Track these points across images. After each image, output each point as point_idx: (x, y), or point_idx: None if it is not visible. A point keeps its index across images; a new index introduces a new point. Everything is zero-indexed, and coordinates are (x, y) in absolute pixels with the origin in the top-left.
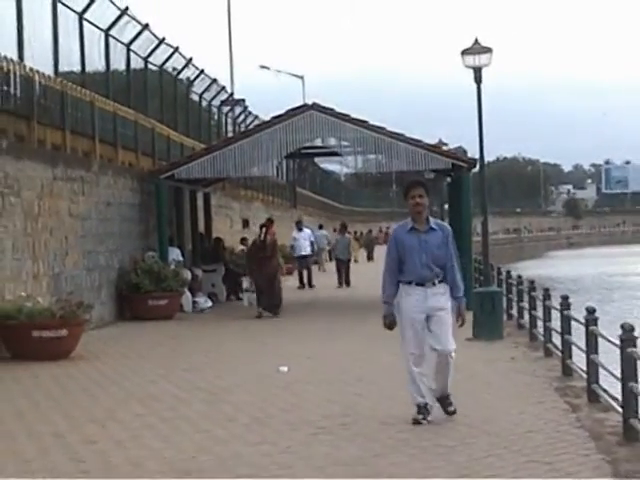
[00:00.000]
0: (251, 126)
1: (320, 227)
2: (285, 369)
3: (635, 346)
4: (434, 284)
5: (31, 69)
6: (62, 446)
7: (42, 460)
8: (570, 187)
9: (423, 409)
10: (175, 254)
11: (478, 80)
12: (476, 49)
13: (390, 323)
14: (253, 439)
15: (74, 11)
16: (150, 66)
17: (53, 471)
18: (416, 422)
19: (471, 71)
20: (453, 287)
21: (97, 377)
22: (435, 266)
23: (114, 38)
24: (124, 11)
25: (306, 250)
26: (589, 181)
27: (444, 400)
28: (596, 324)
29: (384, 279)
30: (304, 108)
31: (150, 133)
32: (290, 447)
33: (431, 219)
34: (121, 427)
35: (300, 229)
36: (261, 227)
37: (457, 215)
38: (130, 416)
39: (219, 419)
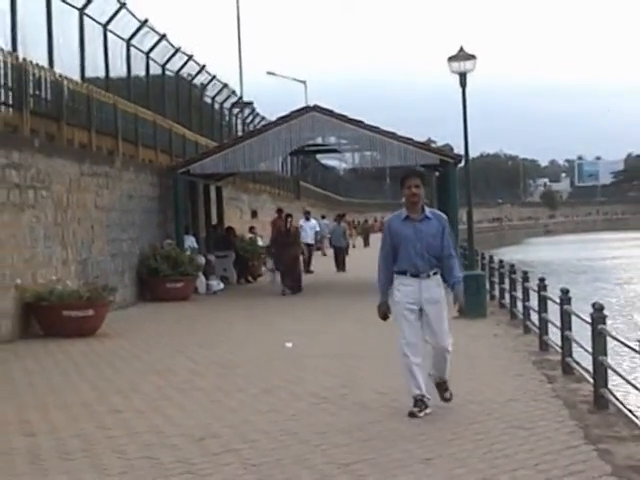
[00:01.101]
0: (258, 126)
1: (322, 217)
2: (290, 345)
3: (605, 323)
4: (429, 276)
5: (60, 75)
6: (90, 414)
7: (72, 427)
8: (546, 180)
9: (419, 402)
10: (190, 241)
11: (463, 84)
12: (461, 56)
13: (384, 313)
14: (261, 408)
15: (99, 23)
16: (167, 72)
17: (82, 437)
18: (412, 415)
19: (457, 76)
20: (449, 273)
21: (120, 352)
22: (430, 256)
23: (135, 47)
24: (144, 23)
25: (311, 239)
26: (563, 175)
27: (441, 385)
28: (570, 303)
29: (379, 268)
30: (306, 110)
31: (168, 133)
32: (295, 415)
33: (427, 208)
34: (143, 398)
35: (307, 219)
36: (286, 217)
37: (444, 206)
38: (151, 387)
39: (230, 390)
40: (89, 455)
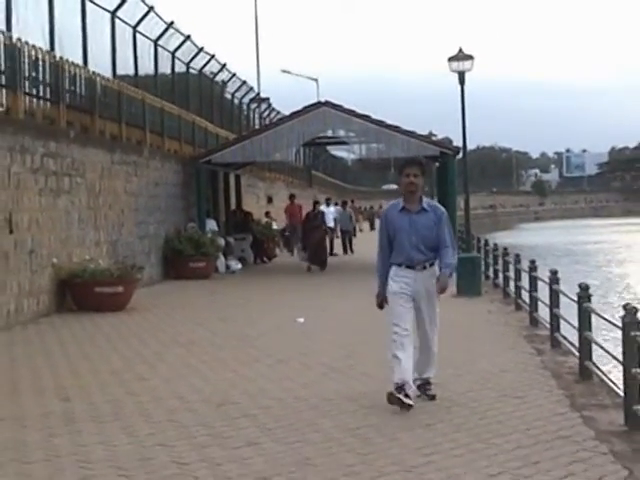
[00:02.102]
0: (274, 120)
1: (335, 204)
2: (302, 320)
3: (590, 302)
4: (424, 267)
5: (93, 72)
6: (119, 382)
7: (103, 393)
8: (537, 171)
9: (400, 388)
10: (211, 225)
11: (462, 82)
12: (460, 56)
13: (381, 302)
14: (275, 377)
15: (128, 24)
16: (191, 70)
17: (112, 402)
18: (391, 402)
19: (456, 74)
20: (441, 260)
21: (147, 325)
22: (425, 248)
23: (161, 47)
24: (170, 25)
25: (330, 223)
26: (553, 166)
27: (425, 385)
28: (558, 283)
29: (377, 259)
30: (318, 105)
31: (191, 125)
32: (306, 383)
33: (424, 199)
34: (167, 367)
35: (328, 205)
36: (314, 203)
37: (444, 193)
38: (174, 358)
39: (247, 360)
40: (119, 418)
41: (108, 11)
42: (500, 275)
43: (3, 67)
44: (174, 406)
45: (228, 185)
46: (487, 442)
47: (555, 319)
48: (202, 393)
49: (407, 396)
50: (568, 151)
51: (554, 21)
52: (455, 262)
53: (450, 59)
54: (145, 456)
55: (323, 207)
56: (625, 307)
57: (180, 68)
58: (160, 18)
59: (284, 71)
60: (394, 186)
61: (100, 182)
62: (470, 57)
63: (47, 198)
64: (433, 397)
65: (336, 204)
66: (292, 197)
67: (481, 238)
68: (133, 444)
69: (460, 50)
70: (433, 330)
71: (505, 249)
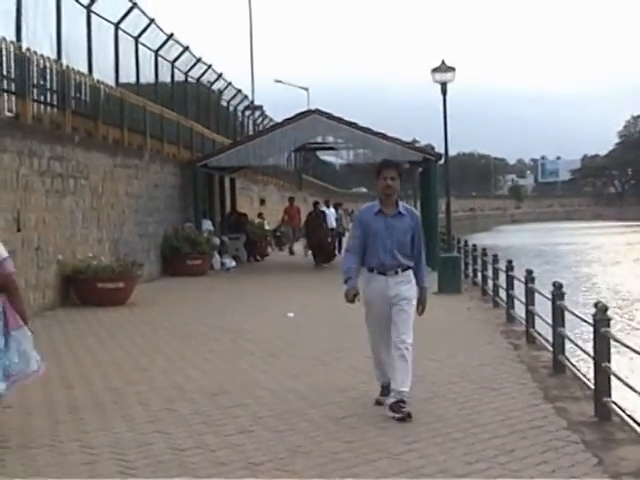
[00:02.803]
0: (267, 126)
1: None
2: (292, 315)
3: (563, 299)
4: (397, 273)
5: (98, 81)
6: (120, 372)
7: (104, 382)
8: (514, 176)
9: (386, 389)
10: (207, 225)
11: (444, 92)
12: (442, 68)
13: (353, 296)
14: (267, 368)
15: (131, 36)
16: (189, 79)
17: (113, 391)
18: (379, 403)
19: (439, 85)
20: (418, 276)
21: (147, 319)
22: (399, 253)
23: (162, 57)
24: (170, 36)
25: (332, 224)
26: (528, 172)
27: (398, 405)
28: (533, 282)
29: (345, 260)
30: (308, 113)
31: (189, 131)
32: (296, 375)
33: (400, 203)
34: (165, 358)
35: (328, 207)
36: (314, 204)
37: (427, 197)
38: (172, 350)
39: (241, 353)
40: (119, 406)
41: (112, 23)
42: (479, 274)
43: (13, 75)
44: (171, 395)
45: (223, 187)
46: (466, 431)
47: (530, 316)
48: (198, 383)
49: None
50: (543, 158)
51: (530, 35)
52: (428, 278)
53: (433, 70)
54: (144, 442)
55: (324, 208)
56: (596, 305)
57: (179, 77)
58: (161, 30)
59: (277, 81)
60: (364, 189)
61: (103, 184)
62: (452, 69)
63: (53, 199)
64: (408, 416)
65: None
66: (291, 199)
67: (461, 239)
68: (133, 431)
69: (443, 62)
70: (408, 336)
71: (484, 250)
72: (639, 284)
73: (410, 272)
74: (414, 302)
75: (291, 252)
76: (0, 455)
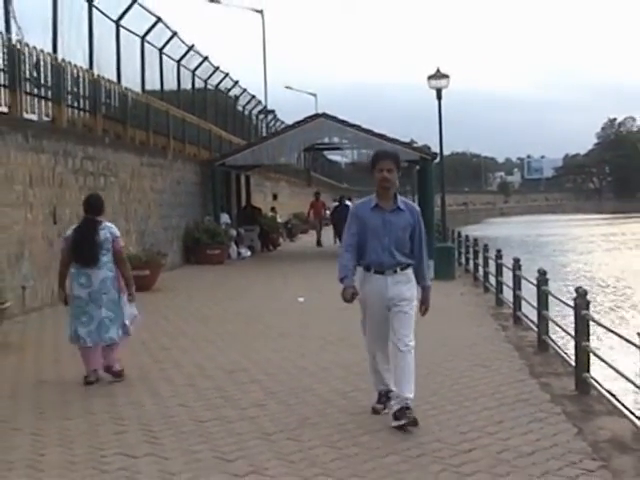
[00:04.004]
0: (279, 128)
1: (334, 200)
2: (302, 300)
3: (547, 285)
4: (395, 272)
5: (126, 88)
6: (146, 351)
7: (132, 359)
8: (502, 174)
9: (384, 397)
10: (225, 218)
11: (439, 97)
12: (438, 75)
13: (352, 295)
14: (278, 348)
15: (155, 47)
16: (208, 86)
17: (140, 368)
18: (375, 412)
19: (434, 90)
20: (420, 275)
21: (170, 304)
22: (398, 251)
23: (183, 66)
24: (190, 47)
25: None
26: (516, 170)
27: (404, 413)
28: (520, 269)
29: (340, 258)
30: (316, 116)
31: (208, 133)
32: (304, 354)
33: (399, 197)
34: (186, 339)
35: (350, 200)
36: (340, 199)
37: (424, 193)
38: (193, 331)
39: (255, 334)
40: (145, 382)
41: (138, 36)
42: (471, 262)
43: (50, 83)
44: (192, 372)
45: (239, 184)
46: (459, 404)
47: (517, 300)
48: (216, 362)
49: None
50: (529, 157)
51: (517, 44)
52: (432, 277)
53: (429, 77)
54: (167, 414)
55: (335, 203)
56: (577, 290)
57: (199, 84)
58: (182, 42)
59: (287, 87)
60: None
61: (130, 181)
62: (446, 76)
63: (85, 194)
64: (414, 422)
65: (334, 200)
66: (317, 194)
67: (455, 230)
68: (158, 404)
69: (438, 70)
70: (409, 338)
71: (475, 240)
72: (608, 271)
73: (410, 271)
74: (414, 303)
75: (319, 244)
76: (39, 425)
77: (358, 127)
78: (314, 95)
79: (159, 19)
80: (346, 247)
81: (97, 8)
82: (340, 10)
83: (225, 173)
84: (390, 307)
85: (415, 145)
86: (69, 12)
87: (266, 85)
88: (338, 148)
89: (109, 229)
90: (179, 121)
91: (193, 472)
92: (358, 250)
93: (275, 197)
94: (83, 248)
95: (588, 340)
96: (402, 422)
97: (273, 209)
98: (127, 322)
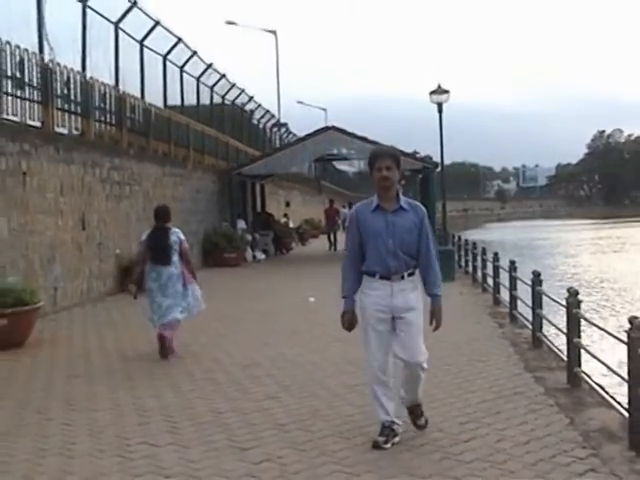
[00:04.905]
0: (291, 140)
1: (343, 207)
2: (313, 299)
3: (541, 285)
4: (402, 277)
5: (149, 103)
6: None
7: (154, 355)
8: (499, 182)
9: (387, 430)
10: (241, 224)
11: (440, 111)
12: (438, 90)
13: (349, 322)
14: (291, 344)
15: (176, 65)
16: (226, 101)
17: (161, 363)
18: (377, 446)
19: (436, 105)
20: (429, 282)
21: None
22: (404, 254)
23: (203, 83)
24: (209, 66)
25: None
26: (512, 178)
27: (415, 409)
28: (516, 271)
29: (343, 269)
30: (326, 129)
31: (225, 145)
32: (315, 350)
33: (402, 197)
34: (206, 336)
35: (350, 207)
36: (349, 204)
37: (426, 200)
38: (211, 329)
39: (268, 331)
40: (168, 376)
41: (160, 55)
42: (470, 264)
43: (79, 99)
44: (211, 367)
45: (254, 192)
46: (459, 397)
47: (514, 299)
48: (232, 357)
49: (395, 434)
50: (524, 166)
51: (514, 60)
52: (441, 285)
53: (431, 93)
54: (188, 406)
55: (346, 210)
56: (569, 290)
57: (217, 100)
58: (202, 60)
59: (299, 102)
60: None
61: (153, 190)
62: (447, 91)
63: (112, 202)
64: (422, 427)
65: (343, 206)
66: (331, 202)
67: (455, 235)
68: (178, 397)
69: (439, 86)
70: (420, 354)
71: (474, 244)
72: (592, 273)
73: (416, 277)
74: (421, 311)
75: (333, 248)
76: (69, 416)
77: (365, 139)
78: (324, 109)
79: (180, 39)
80: (349, 255)
81: (122, 29)
82: (348, 29)
83: (241, 182)
84: (396, 317)
85: (418, 155)
86: (97, 33)
87: (279, 100)
88: (346, 158)
89: (177, 234)
90: (199, 134)
91: (211, 460)
92: (362, 256)
93: (288, 204)
94: (157, 250)
95: (579, 336)
96: (420, 421)
97: (285, 215)
98: (192, 304)
